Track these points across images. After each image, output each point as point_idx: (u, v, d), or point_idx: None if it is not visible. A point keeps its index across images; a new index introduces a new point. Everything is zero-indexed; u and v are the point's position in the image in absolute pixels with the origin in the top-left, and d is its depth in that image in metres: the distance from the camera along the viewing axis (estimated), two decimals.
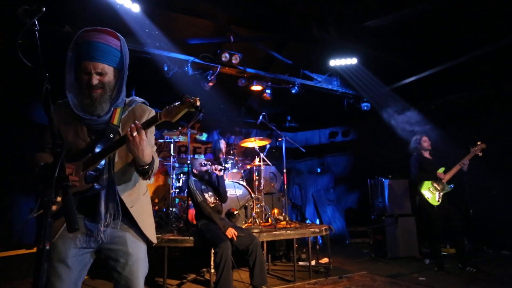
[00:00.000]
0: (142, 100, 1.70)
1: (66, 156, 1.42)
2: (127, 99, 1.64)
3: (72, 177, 1.41)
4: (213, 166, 3.89)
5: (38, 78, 1.10)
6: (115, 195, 1.51)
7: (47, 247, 0.81)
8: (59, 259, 1.45)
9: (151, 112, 1.65)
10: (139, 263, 1.56)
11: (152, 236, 1.63)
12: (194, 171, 4.01)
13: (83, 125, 1.52)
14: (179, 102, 1.39)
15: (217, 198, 3.95)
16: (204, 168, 3.87)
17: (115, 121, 1.55)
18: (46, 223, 0.82)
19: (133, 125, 1.38)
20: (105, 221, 1.48)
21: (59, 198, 1.34)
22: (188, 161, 4.78)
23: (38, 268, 0.78)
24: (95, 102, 1.47)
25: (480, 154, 4.35)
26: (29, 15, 1.08)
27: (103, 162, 1.48)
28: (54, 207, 1.34)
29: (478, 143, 4.38)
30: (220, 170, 3.88)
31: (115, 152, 1.50)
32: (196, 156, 7.09)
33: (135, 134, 1.36)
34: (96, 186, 1.43)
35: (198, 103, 1.36)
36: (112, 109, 1.54)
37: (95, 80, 1.44)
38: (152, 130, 1.66)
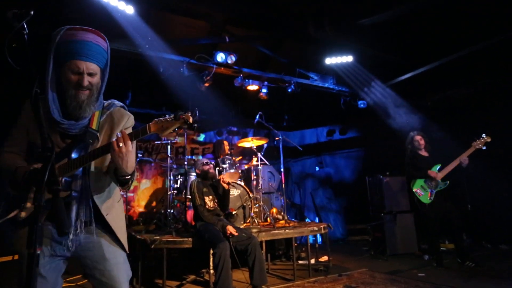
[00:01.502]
0: (121, 103, 1.64)
1: (33, 150, 1.37)
2: (106, 102, 1.59)
3: None
4: (221, 177, 3.87)
5: (27, 80, 1.09)
6: (88, 201, 1.45)
7: (38, 252, 0.80)
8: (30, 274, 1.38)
9: (130, 118, 1.60)
10: (118, 267, 1.49)
11: (126, 244, 1.57)
12: (197, 171, 4.00)
13: (57, 128, 1.42)
14: (171, 117, 1.35)
15: (217, 203, 3.93)
16: (207, 167, 3.87)
17: (94, 125, 1.48)
18: (37, 228, 0.81)
19: (119, 135, 1.33)
20: (75, 228, 1.42)
21: (28, 204, 1.32)
22: (186, 162, 4.78)
23: (29, 273, 0.78)
24: (82, 104, 1.41)
25: (484, 148, 4.30)
26: (18, 18, 1.08)
27: (81, 169, 1.42)
28: (23, 214, 1.32)
29: (483, 135, 4.31)
30: (228, 184, 3.86)
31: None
32: (194, 157, 7.08)
33: (121, 144, 1.31)
34: (74, 194, 1.38)
35: (190, 120, 1.33)
36: (89, 115, 1.47)
37: (86, 81, 1.39)
38: (135, 141, 1.57)
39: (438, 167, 4.48)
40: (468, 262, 4.20)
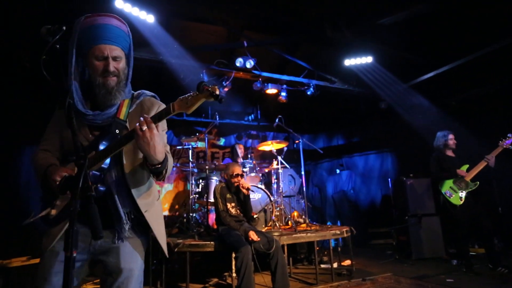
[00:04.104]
0: (152, 93, 1.54)
1: (68, 157, 1.35)
2: (135, 92, 1.50)
3: None
4: (240, 182, 3.86)
5: (59, 92, 1.15)
6: (127, 197, 1.37)
7: (74, 255, 0.85)
8: (42, 276, 1.28)
9: (160, 106, 1.48)
10: (129, 281, 1.35)
11: (165, 247, 1.48)
12: (225, 176, 4.00)
13: (83, 120, 1.36)
14: (195, 91, 1.24)
15: (240, 210, 3.91)
16: (234, 180, 3.86)
17: (122, 115, 1.38)
18: (73, 231, 0.86)
19: (142, 119, 1.23)
20: (125, 223, 1.35)
21: (58, 202, 1.31)
22: (207, 167, 4.84)
23: (66, 275, 0.82)
24: (112, 90, 1.33)
25: (511, 147, 4.14)
26: (52, 34, 1.15)
27: (108, 161, 1.32)
28: (53, 211, 1.30)
29: (509, 135, 4.15)
30: (247, 189, 3.83)
31: (122, 150, 1.34)
32: (215, 162, 7.15)
33: (145, 128, 1.21)
34: (101, 188, 1.25)
35: (217, 92, 1.19)
36: (119, 102, 1.39)
37: (112, 66, 1.32)
38: (164, 127, 1.50)
39: (467, 168, 4.33)
40: (500, 268, 4.01)
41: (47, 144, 1.46)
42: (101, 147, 1.30)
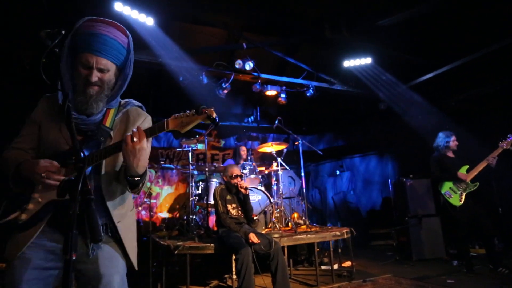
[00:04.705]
0: (139, 103, 1.54)
1: (44, 156, 1.29)
2: (122, 101, 1.49)
3: (57, 175, 1.25)
4: (239, 182, 3.86)
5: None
6: (102, 207, 1.35)
7: (73, 258, 0.85)
8: (12, 284, 1.20)
9: (146, 118, 1.49)
10: (111, 287, 1.29)
11: (135, 260, 1.42)
12: (224, 178, 4.01)
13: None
14: (193, 112, 1.27)
15: (241, 211, 3.91)
16: (235, 181, 3.87)
17: (108, 123, 1.38)
18: (72, 235, 0.86)
19: (135, 130, 1.24)
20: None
21: (31, 206, 1.25)
22: (207, 168, 4.85)
23: (66, 278, 0.82)
24: (89, 99, 1.32)
25: (511, 148, 4.13)
26: (51, 37, 1.15)
27: (90, 168, 1.31)
28: (24, 216, 1.24)
29: (510, 136, 4.15)
30: (246, 189, 3.84)
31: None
32: (215, 164, 7.16)
33: (136, 140, 1.22)
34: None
35: (214, 115, 1.25)
36: (105, 109, 1.39)
37: (95, 77, 1.30)
38: (150, 139, 1.45)
39: (467, 169, 4.33)
40: (501, 268, 4.01)
41: (22, 142, 1.41)
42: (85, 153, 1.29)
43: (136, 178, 1.31)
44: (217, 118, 1.26)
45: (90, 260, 1.31)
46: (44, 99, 1.45)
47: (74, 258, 0.84)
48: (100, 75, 1.32)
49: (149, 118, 1.51)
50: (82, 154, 1.01)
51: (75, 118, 1.31)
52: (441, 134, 4.61)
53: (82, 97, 1.32)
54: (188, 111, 1.29)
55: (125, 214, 1.42)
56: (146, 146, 1.25)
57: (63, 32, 1.13)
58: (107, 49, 1.30)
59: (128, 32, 1.41)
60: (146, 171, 1.35)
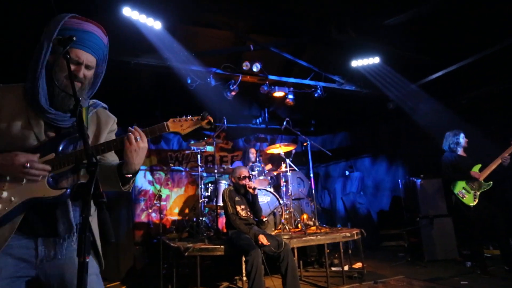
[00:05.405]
0: (105, 105, 1.53)
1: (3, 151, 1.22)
2: (90, 100, 1.48)
3: (45, 166, 1.22)
4: (247, 183, 3.87)
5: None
6: (78, 204, 1.33)
7: (87, 260, 0.86)
8: None
9: (115, 121, 1.54)
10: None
11: (101, 258, 1.41)
12: (232, 179, 4.03)
13: (40, 119, 1.30)
14: (197, 117, 1.39)
15: (250, 212, 3.92)
16: (242, 182, 3.89)
17: (83, 121, 1.33)
18: (85, 237, 0.88)
19: (135, 128, 1.32)
20: (64, 236, 1.28)
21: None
22: (216, 170, 4.87)
23: (80, 280, 0.84)
24: (71, 96, 1.26)
25: None
26: (63, 44, 1.19)
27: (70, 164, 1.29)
28: None
29: None
30: (254, 189, 3.85)
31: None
32: (224, 165, 7.18)
33: (139, 139, 1.30)
34: (67, 192, 1.22)
35: (212, 120, 1.39)
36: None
37: (82, 73, 1.31)
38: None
39: (479, 168, 4.25)
40: None
41: None
42: (60, 150, 1.28)
43: (131, 176, 1.37)
44: (213, 125, 1.41)
45: (62, 264, 1.28)
46: (3, 89, 1.32)
47: (87, 260, 0.86)
48: (86, 71, 1.33)
49: (116, 120, 1.56)
50: (94, 159, 1.02)
51: (51, 114, 1.29)
52: (448, 134, 4.55)
53: (64, 93, 1.29)
54: (189, 116, 1.41)
55: (94, 213, 1.33)
56: (146, 145, 1.34)
57: (74, 38, 1.17)
58: (96, 47, 1.34)
59: (106, 32, 1.42)
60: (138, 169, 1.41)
